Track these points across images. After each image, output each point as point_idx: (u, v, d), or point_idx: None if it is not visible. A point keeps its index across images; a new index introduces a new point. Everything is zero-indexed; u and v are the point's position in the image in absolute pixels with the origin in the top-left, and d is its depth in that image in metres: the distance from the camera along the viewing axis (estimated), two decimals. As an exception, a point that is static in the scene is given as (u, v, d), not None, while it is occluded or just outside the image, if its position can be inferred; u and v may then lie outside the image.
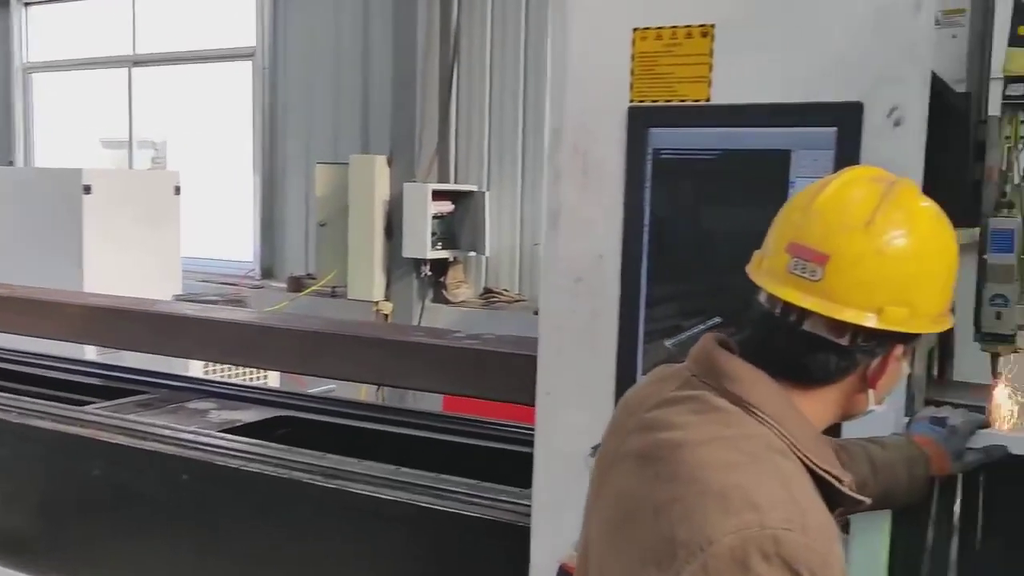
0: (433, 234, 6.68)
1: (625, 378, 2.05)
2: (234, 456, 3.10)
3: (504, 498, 2.69)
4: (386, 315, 6.99)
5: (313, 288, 7.50)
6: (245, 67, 8.71)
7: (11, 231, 6.72)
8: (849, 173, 1.38)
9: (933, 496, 1.86)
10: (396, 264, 6.94)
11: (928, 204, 1.36)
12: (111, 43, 9.85)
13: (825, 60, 1.83)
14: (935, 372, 2.68)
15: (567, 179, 2.09)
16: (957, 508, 1.88)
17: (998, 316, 2.45)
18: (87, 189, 6.56)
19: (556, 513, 2.12)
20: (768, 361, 1.34)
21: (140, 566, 3.21)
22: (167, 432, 3.31)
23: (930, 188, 2.41)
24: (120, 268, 6.50)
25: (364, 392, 5.66)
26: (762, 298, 1.36)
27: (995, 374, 2.61)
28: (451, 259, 6.93)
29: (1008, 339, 2.49)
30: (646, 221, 2.03)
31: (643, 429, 1.36)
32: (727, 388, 1.33)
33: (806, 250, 1.30)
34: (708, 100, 1.95)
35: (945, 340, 2.73)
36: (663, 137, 2.01)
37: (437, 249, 6.75)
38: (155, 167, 9.45)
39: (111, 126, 10.06)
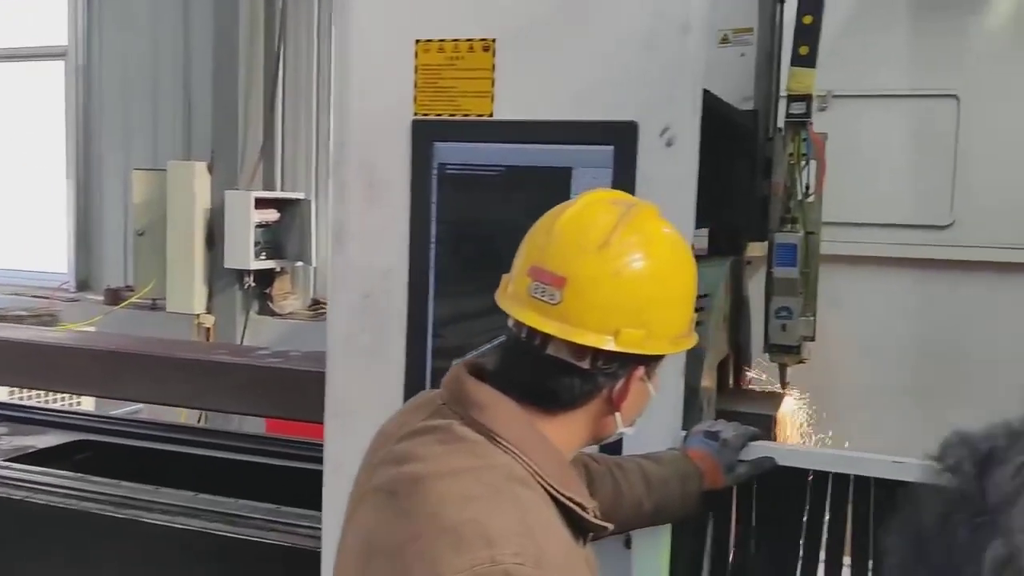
0: (257, 244, 6.44)
1: (414, 397, 2.01)
2: (19, 487, 2.89)
3: (304, 523, 2.61)
4: (208, 329, 6.71)
5: (130, 301, 7.13)
6: (58, 67, 8.22)
7: None
8: (590, 195, 1.38)
9: (710, 509, 1.90)
10: (218, 275, 6.66)
11: (667, 228, 1.37)
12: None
13: (602, 78, 1.85)
14: (730, 382, 2.77)
15: (353, 193, 2.04)
16: (733, 520, 1.93)
17: (783, 328, 2.55)
18: None
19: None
20: (516, 387, 1.33)
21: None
22: (-56, 462, 3.07)
23: (721, 205, 2.49)
24: (-87, 281, 6.02)
25: (184, 414, 5.39)
26: (510, 323, 1.35)
27: (783, 384, 2.71)
28: (277, 269, 6.71)
29: (794, 350, 2.59)
30: (433, 237, 1.99)
31: (390, 462, 1.33)
32: (473, 417, 1.30)
33: (545, 273, 1.29)
34: (492, 115, 1.94)
35: (740, 351, 2.82)
36: (448, 152, 1.98)
37: (261, 259, 6.51)
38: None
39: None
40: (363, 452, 1.95)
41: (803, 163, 2.60)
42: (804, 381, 2.80)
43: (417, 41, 1.97)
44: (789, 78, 2.58)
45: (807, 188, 2.62)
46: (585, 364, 1.29)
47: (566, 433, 1.34)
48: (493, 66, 1.92)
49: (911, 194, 3.70)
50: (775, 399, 2.66)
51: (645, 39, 1.80)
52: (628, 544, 1.86)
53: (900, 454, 1.85)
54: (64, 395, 5.20)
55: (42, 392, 4.98)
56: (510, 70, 1.92)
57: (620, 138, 1.83)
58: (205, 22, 7.10)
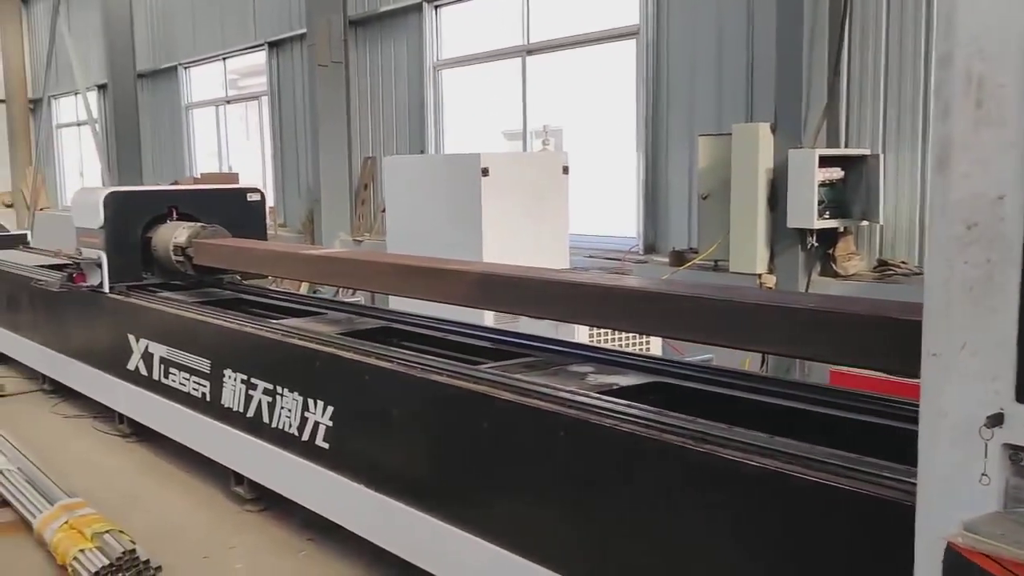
0: (820, 203, 6.32)
1: (1029, 339, 1.78)
2: (608, 416, 3.15)
3: (886, 474, 2.47)
4: (769, 288, 6.76)
5: (693, 262, 7.46)
6: (629, 46, 8.87)
7: (425, 209, 7.47)
8: None
9: None
10: (780, 236, 6.67)
11: None
12: (507, 35, 10.51)
13: None
14: None
15: (958, 112, 1.84)
16: None
17: None
18: (485, 172, 7.08)
19: (942, 487, 1.90)
20: None
21: (514, 513, 3.40)
22: (548, 391, 3.46)
23: None
24: (514, 242, 6.96)
25: (747, 363, 5.51)
26: None
27: None
28: (840, 229, 6.51)
29: None
30: (1057, 155, 1.73)
31: None
32: None
33: None
34: None
35: None
36: (1079, 55, 1.70)
37: (825, 219, 6.38)
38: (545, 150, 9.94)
39: (509, 116, 10.76)
40: (964, 398, 1.78)
41: None
42: None
43: (1043, -72, 1.71)
44: None
45: None
46: None
47: None
48: None
49: None
50: None
51: None
52: None
53: None
54: (632, 340, 5.63)
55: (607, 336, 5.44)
56: None
57: None
58: (769, -13, 7.11)
